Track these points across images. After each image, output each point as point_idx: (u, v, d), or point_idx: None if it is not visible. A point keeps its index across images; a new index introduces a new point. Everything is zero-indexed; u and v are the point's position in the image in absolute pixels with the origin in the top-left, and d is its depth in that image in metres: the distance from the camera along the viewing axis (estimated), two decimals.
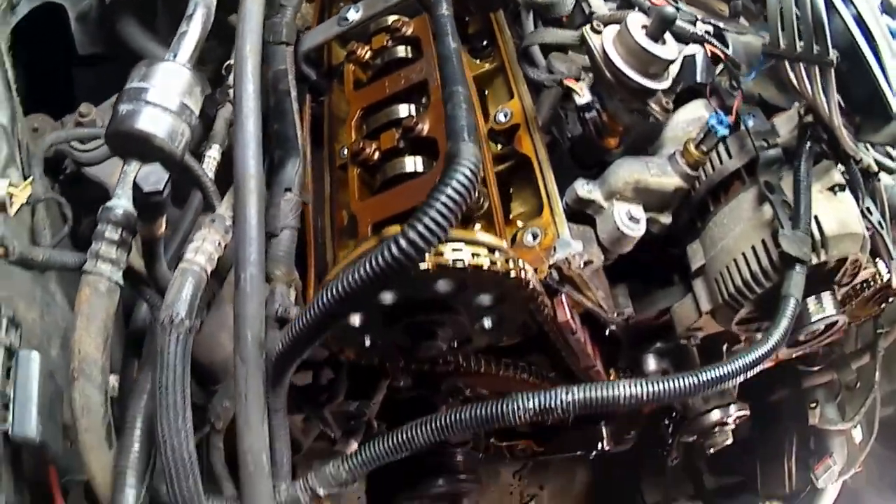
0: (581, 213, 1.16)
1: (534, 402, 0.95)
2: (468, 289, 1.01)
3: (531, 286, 1.03)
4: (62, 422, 0.96)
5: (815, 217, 1.12)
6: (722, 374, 0.98)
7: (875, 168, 1.21)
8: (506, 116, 1.20)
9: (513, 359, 1.34)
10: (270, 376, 0.96)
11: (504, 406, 0.95)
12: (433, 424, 0.97)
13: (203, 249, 0.97)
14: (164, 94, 0.95)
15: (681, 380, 0.97)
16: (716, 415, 1.38)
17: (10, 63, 1.16)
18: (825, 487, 1.94)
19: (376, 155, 1.15)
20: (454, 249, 0.96)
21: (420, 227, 0.82)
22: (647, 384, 0.95)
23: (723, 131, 1.13)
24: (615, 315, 1.26)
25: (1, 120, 1.06)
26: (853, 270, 1.18)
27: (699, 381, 0.97)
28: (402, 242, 0.82)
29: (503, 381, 1.33)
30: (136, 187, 0.90)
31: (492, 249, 0.98)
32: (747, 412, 1.42)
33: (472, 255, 0.96)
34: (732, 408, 1.39)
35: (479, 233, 1.02)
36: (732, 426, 1.42)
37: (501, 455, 1.77)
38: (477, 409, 0.96)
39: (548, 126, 1.20)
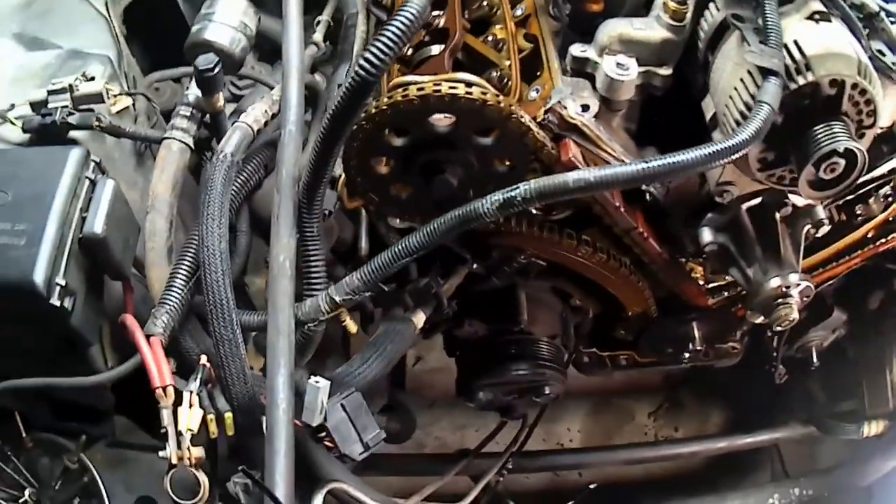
0: (581, 73, 1.30)
1: (497, 196, 1.11)
2: (460, 124, 1.19)
3: (517, 118, 1.18)
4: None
5: (795, 41, 1.14)
6: (676, 161, 1.06)
7: (874, 8, 1.21)
8: (521, 10, 1.40)
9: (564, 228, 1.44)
10: (300, 200, 1.22)
11: (472, 205, 1.12)
12: (425, 230, 1.16)
13: (251, 114, 1.28)
14: (225, 14, 1.30)
15: (630, 166, 1.07)
16: (775, 282, 1.37)
17: (118, 23, 1.42)
18: None
19: (409, 50, 1.40)
20: (435, 84, 1.16)
21: (372, 48, 1.04)
22: (594, 170, 1.07)
23: None
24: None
25: (108, 53, 1.32)
26: (861, 99, 1.17)
27: (649, 167, 1.06)
28: (362, 60, 1.05)
29: (549, 244, 1.44)
30: (195, 69, 1.24)
31: (469, 84, 1.16)
32: (811, 283, 1.39)
33: (450, 87, 1.15)
34: (793, 276, 1.37)
35: (460, 73, 1.21)
36: (797, 299, 1.39)
37: (603, 364, 1.83)
38: (453, 213, 1.14)
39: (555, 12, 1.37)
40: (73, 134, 1.19)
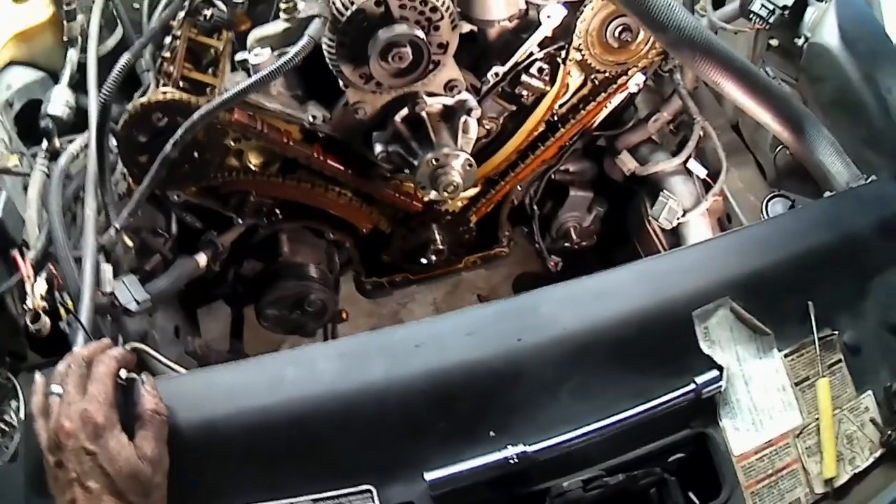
0: (245, 69, 1.66)
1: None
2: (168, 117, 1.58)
3: (195, 103, 1.57)
4: None
5: None
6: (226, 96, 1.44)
7: None
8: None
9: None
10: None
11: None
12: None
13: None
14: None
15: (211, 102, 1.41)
16: (428, 156, 1.63)
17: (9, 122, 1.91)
18: (676, 223, 2.02)
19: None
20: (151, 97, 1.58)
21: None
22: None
23: None
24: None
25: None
26: (412, 3, 1.48)
27: (217, 101, 1.41)
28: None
29: (269, 186, 1.81)
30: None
31: (164, 93, 1.57)
32: (466, 154, 1.67)
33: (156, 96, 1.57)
34: (444, 150, 1.66)
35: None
36: (458, 169, 1.68)
37: (383, 287, 2.15)
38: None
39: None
40: None
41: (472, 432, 0.94)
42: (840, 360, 1.16)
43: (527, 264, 2.48)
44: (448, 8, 1.52)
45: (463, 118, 1.74)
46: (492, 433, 0.95)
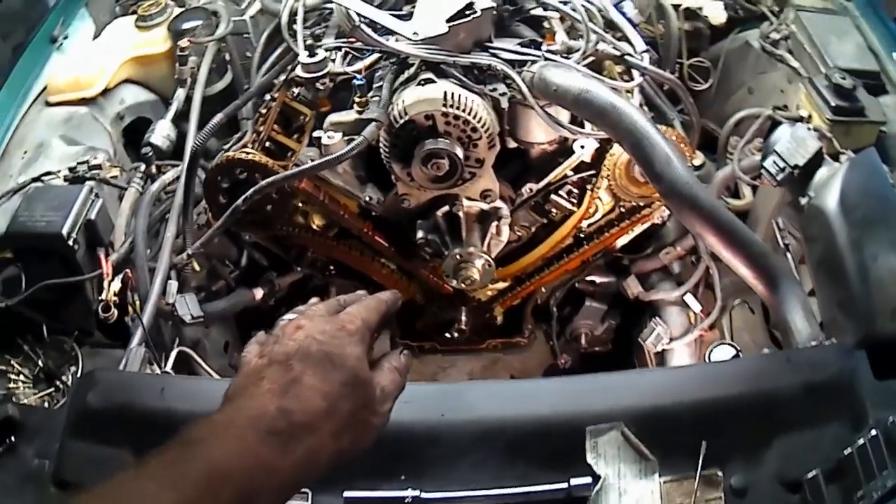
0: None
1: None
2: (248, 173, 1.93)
3: (272, 165, 1.92)
4: None
5: (399, 98, 1.80)
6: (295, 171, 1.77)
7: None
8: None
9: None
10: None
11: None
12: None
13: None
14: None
15: (286, 172, 1.77)
16: (455, 251, 1.98)
17: (116, 135, 2.31)
18: (659, 349, 2.21)
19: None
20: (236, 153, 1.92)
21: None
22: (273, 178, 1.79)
23: None
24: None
25: (108, 149, 2.16)
26: (455, 121, 1.79)
27: (289, 173, 1.77)
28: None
29: (325, 246, 2.16)
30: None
31: (246, 153, 1.91)
32: (487, 257, 1.98)
33: (239, 154, 1.91)
34: (470, 248, 1.99)
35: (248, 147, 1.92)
36: (478, 266, 1.99)
37: (413, 351, 2.38)
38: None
39: None
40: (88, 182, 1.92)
41: (389, 473, 1.18)
42: (719, 498, 1.26)
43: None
44: (487, 129, 1.82)
45: (495, 223, 2.04)
46: (403, 477, 1.19)
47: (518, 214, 2.07)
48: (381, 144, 1.85)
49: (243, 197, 1.85)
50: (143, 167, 2.19)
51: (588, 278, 2.40)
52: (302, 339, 0.88)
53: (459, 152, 1.79)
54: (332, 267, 2.24)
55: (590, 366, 2.40)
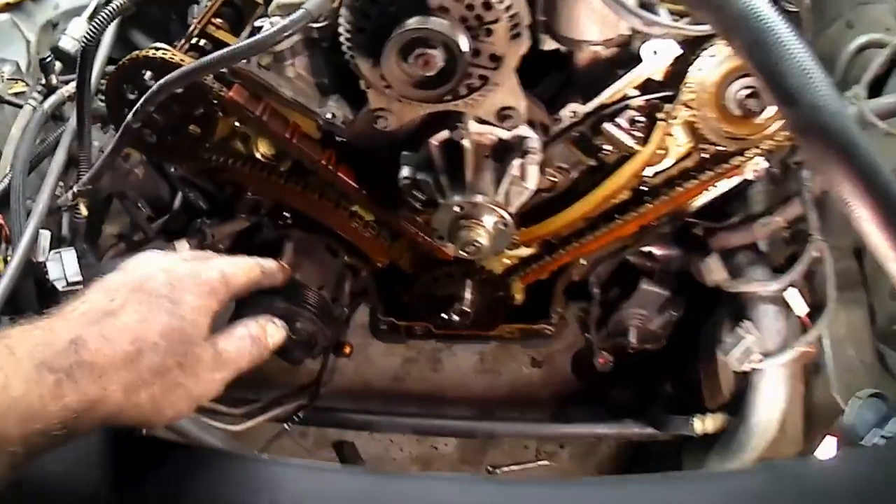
0: None
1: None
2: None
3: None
4: None
5: None
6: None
7: None
8: None
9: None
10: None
11: None
12: None
13: None
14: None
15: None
16: (454, 199, 1.31)
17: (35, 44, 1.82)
18: (746, 368, 1.54)
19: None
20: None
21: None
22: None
23: None
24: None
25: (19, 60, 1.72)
26: None
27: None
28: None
29: (268, 185, 1.51)
30: None
31: (157, 49, 1.33)
32: (504, 211, 1.31)
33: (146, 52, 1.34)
34: (478, 197, 1.30)
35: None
36: (488, 226, 1.33)
37: (398, 332, 1.82)
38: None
39: None
40: None
41: None
42: None
43: None
44: (510, 8, 1.14)
45: (518, 161, 1.36)
46: None
47: (553, 151, 1.45)
48: (341, 29, 1.17)
49: (133, 109, 1.31)
50: (44, 80, 1.70)
51: (645, 250, 1.74)
52: (143, 273, 0.84)
53: (463, 41, 1.12)
54: (286, 214, 1.57)
55: (636, 369, 1.91)
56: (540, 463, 2.30)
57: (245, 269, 0.93)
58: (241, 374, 0.89)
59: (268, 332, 0.92)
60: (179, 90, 1.34)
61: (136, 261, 0.87)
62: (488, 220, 1.32)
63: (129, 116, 1.31)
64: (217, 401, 1.76)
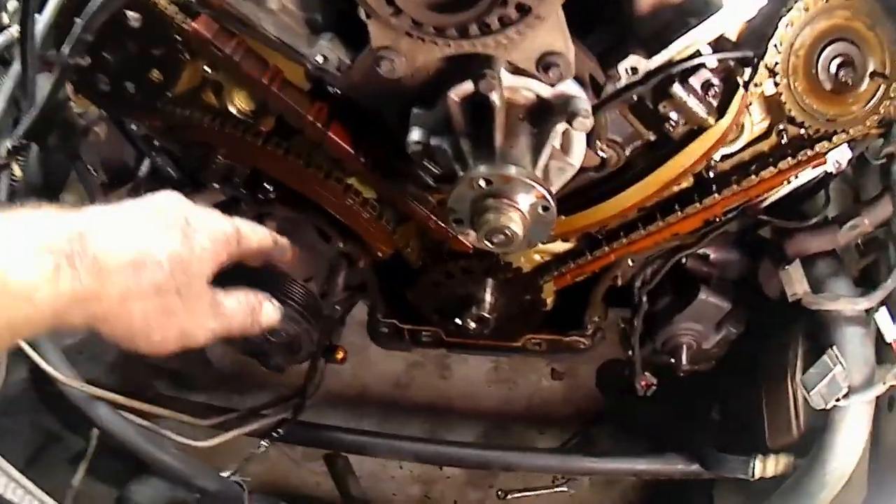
0: None
1: None
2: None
3: None
4: None
5: None
6: None
7: None
8: None
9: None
10: None
11: None
12: None
13: None
14: None
15: None
16: (478, 171, 0.99)
17: None
18: (829, 408, 1.23)
19: None
20: None
21: None
22: None
23: None
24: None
25: None
26: None
27: None
28: None
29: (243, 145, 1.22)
30: None
31: None
32: (545, 189, 1.00)
33: None
34: (511, 169, 1.00)
35: None
36: (523, 208, 1.02)
37: (401, 337, 1.55)
38: None
39: None
40: None
41: None
42: None
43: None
44: None
45: (562, 127, 1.04)
46: None
47: (605, 118, 1.15)
48: None
49: (70, 38, 1.07)
50: None
51: (700, 252, 1.44)
52: (165, 202, 0.86)
53: None
54: (268, 187, 1.27)
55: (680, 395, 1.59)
56: (557, 489, 2.01)
57: (259, 234, 0.95)
58: (229, 336, 0.91)
59: (264, 307, 0.94)
60: (135, 22, 1.05)
61: (161, 194, 0.87)
62: (524, 201, 1.01)
63: (66, 48, 1.01)
64: (184, 410, 1.52)
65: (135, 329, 0.80)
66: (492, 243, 1.02)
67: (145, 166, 1.48)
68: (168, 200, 0.86)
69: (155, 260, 0.79)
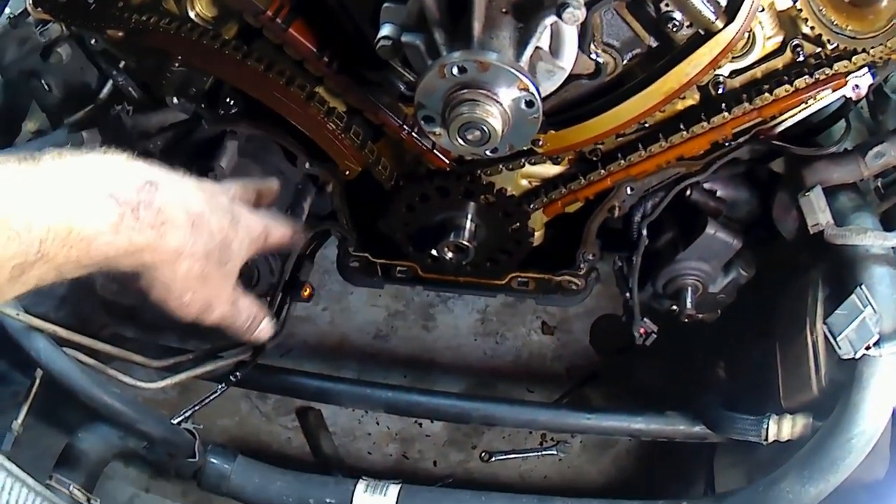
0: None
1: None
2: None
3: None
4: None
5: None
6: None
7: None
8: None
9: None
10: None
11: None
12: None
13: None
14: None
15: None
16: (452, 57, 0.88)
17: None
18: (858, 357, 1.08)
19: None
20: None
21: None
22: None
23: None
24: None
25: None
26: None
27: None
28: None
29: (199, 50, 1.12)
30: None
31: None
32: (532, 83, 0.87)
33: None
34: (490, 55, 0.86)
35: None
36: (504, 104, 0.88)
37: (372, 272, 1.43)
38: None
39: None
40: None
41: None
42: None
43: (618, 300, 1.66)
44: None
45: (549, 20, 0.90)
46: None
47: (600, 16, 1.05)
48: None
49: None
50: None
51: (707, 187, 1.31)
52: (217, 189, 0.91)
53: None
54: (229, 101, 1.14)
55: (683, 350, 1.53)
56: (545, 453, 1.89)
57: (279, 232, 0.97)
58: (221, 327, 0.93)
59: (263, 323, 0.97)
60: None
61: (215, 183, 0.93)
62: (504, 94, 0.87)
63: None
64: (135, 349, 1.39)
65: (174, 284, 0.82)
66: (465, 141, 0.89)
67: (107, 88, 1.39)
68: (223, 189, 0.92)
69: (210, 227, 0.83)
